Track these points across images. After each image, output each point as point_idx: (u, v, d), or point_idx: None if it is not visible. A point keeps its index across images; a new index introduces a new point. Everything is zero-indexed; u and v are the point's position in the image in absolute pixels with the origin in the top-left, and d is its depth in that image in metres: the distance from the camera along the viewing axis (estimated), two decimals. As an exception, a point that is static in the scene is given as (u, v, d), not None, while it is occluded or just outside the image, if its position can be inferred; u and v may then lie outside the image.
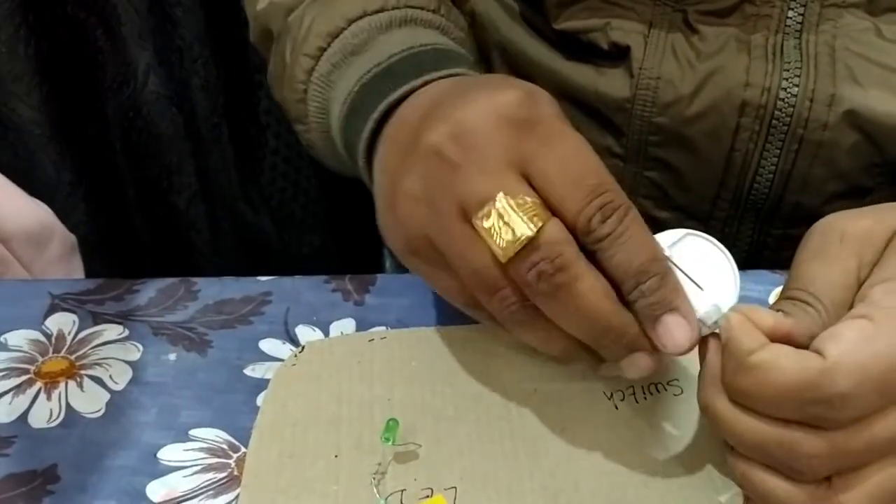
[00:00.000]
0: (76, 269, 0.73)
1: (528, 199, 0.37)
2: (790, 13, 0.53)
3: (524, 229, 0.37)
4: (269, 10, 0.59)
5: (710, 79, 0.54)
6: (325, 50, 0.53)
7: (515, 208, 0.37)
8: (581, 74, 0.58)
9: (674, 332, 0.38)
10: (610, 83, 0.57)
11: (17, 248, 0.67)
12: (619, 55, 0.56)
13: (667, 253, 0.39)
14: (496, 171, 0.38)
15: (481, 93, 0.40)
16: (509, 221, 0.37)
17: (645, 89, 0.55)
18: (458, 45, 0.53)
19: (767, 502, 0.37)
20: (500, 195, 0.37)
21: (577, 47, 0.58)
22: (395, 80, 0.47)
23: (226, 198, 1.08)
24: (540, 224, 0.37)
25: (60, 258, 0.71)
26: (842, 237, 0.39)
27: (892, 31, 0.53)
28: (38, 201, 0.71)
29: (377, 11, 0.52)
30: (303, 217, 1.11)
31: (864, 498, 0.36)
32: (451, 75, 0.47)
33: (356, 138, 0.48)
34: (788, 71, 0.53)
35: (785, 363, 0.35)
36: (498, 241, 0.37)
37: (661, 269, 0.38)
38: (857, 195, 0.57)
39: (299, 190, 1.10)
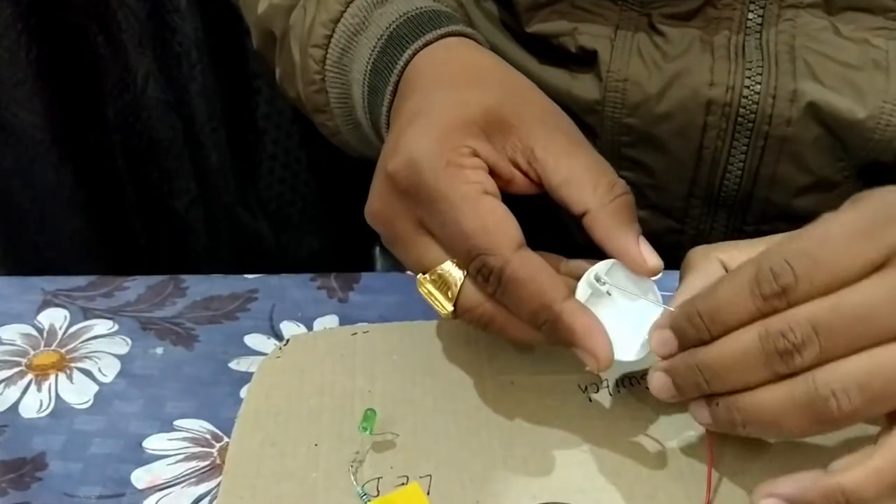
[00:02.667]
0: None
1: (443, 271, 0.43)
2: (750, 14, 0.55)
3: (445, 309, 0.43)
4: (269, 12, 0.60)
5: (676, 79, 0.56)
6: (330, 37, 0.54)
7: (434, 289, 0.43)
8: (554, 77, 0.60)
9: (587, 359, 0.41)
10: (581, 86, 0.58)
11: None
12: (587, 59, 0.58)
13: (604, 278, 0.43)
14: (409, 239, 0.44)
15: (382, 160, 0.44)
16: (436, 298, 0.43)
17: (613, 91, 0.57)
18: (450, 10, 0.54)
19: (762, 423, 0.38)
20: (419, 280, 0.43)
21: (549, 51, 0.59)
22: (399, 47, 0.49)
23: (224, 202, 1.09)
24: (454, 299, 0.42)
25: None
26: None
27: (849, 29, 0.55)
28: None
29: None
30: (300, 221, 1.12)
31: (853, 384, 0.35)
32: (449, 34, 0.49)
33: (379, 118, 0.50)
34: (750, 69, 0.55)
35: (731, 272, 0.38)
36: (437, 308, 0.43)
37: (550, 316, 0.41)
38: (824, 189, 0.58)
39: (297, 195, 1.11)
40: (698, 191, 0.59)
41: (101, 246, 1.08)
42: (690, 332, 0.39)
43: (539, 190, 0.44)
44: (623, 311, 0.43)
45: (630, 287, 0.43)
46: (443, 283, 0.43)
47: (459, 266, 0.42)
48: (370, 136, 0.54)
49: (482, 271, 0.41)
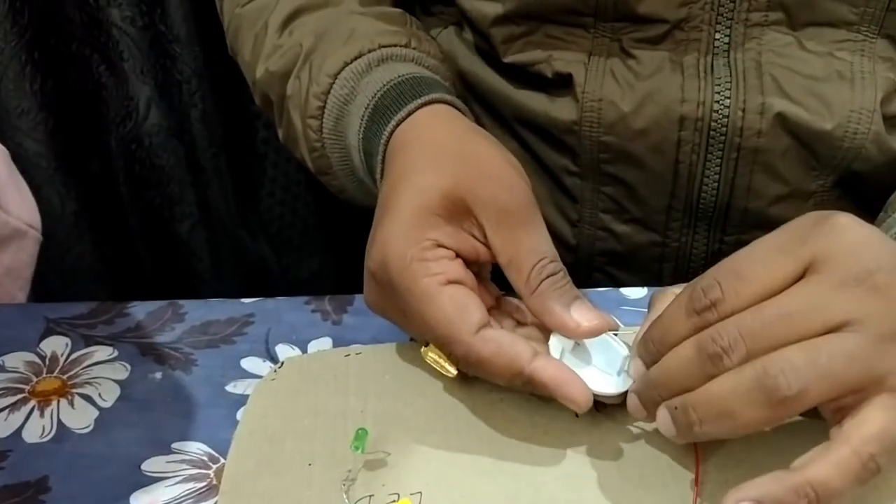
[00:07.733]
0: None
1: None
2: (717, 35, 0.57)
3: (449, 372, 0.47)
4: (265, 78, 0.63)
5: (649, 97, 0.58)
6: (324, 108, 0.57)
7: (436, 357, 0.47)
8: (532, 101, 0.62)
9: (568, 405, 0.45)
10: (558, 108, 0.60)
11: None
12: (563, 82, 0.60)
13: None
14: (403, 322, 0.48)
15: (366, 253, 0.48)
16: (440, 364, 0.47)
17: (590, 111, 0.59)
18: (432, 72, 0.57)
19: (716, 414, 0.40)
20: (423, 351, 0.47)
21: (527, 77, 0.62)
22: (384, 117, 0.52)
23: (225, 225, 1.11)
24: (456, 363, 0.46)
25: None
26: None
27: (813, 43, 0.57)
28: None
29: (356, 58, 0.57)
30: (300, 243, 1.13)
31: (800, 360, 0.38)
32: (430, 101, 0.52)
33: (378, 180, 0.53)
34: (720, 86, 0.57)
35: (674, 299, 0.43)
36: (443, 371, 0.47)
37: (523, 379, 0.44)
38: (799, 198, 0.60)
39: (297, 217, 1.13)
40: (677, 203, 0.61)
41: (105, 271, 1.10)
42: (647, 357, 0.43)
43: None
44: (597, 350, 0.47)
45: None
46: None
47: None
48: (375, 192, 0.56)
49: (452, 357, 0.46)
